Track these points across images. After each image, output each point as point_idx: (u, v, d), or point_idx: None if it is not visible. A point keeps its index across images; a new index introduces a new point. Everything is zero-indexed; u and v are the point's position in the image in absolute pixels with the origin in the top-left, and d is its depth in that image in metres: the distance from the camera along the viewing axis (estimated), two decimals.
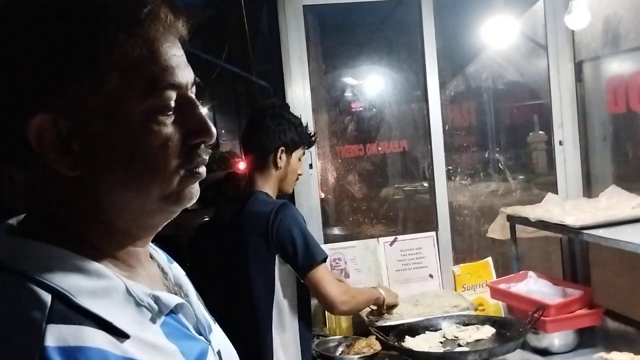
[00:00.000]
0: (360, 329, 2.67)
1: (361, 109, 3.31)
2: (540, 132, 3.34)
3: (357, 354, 2.49)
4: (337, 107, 3.27)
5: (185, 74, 0.75)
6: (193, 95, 0.77)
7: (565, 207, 2.58)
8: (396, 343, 2.33)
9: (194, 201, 0.78)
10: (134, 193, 0.73)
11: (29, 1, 0.71)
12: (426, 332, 2.44)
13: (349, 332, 2.72)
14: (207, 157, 0.77)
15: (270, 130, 2.26)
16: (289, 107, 2.41)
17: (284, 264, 2.17)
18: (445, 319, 2.50)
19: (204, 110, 0.78)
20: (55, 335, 0.63)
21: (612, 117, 2.79)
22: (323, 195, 3.13)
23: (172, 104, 0.74)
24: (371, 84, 3.32)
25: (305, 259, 2.12)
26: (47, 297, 0.65)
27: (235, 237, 2.19)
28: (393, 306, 2.57)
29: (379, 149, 3.25)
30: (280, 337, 2.18)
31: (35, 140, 0.69)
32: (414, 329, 2.44)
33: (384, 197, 3.38)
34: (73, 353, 0.63)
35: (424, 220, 3.27)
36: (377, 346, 2.49)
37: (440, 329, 2.44)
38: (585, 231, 2.29)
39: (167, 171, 0.73)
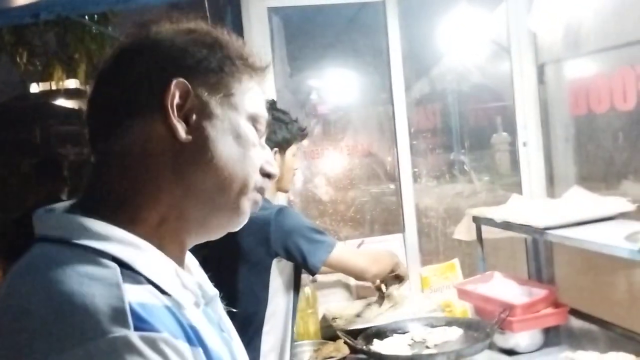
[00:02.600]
0: (328, 333, 2.66)
1: (327, 111, 3.30)
2: (504, 133, 3.37)
3: (325, 358, 2.47)
4: (303, 110, 3.24)
5: (266, 120, 0.90)
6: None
7: (530, 207, 2.61)
8: (364, 347, 2.32)
9: (242, 224, 0.87)
10: (219, 187, 0.81)
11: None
12: (394, 335, 2.43)
13: (317, 336, 2.70)
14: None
15: None
16: (276, 102, 2.35)
17: (279, 270, 2.15)
18: (413, 321, 2.50)
19: None
20: (133, 292, 0.68)
21: (574, 118, 2.84)
22: (291, 198, 3.10)
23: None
24: (337, 86, 3.31)
25: (315, 258, 2.12)
26: (114, 264, 0.71)
27: (231, 242, 2.15)
28: (402, 279, 2.53)
29: (346, 151, 3.24)
30: (268, 342, 2.15)
31: (168, 97, 0.78)
32: (382, 332, 2.44)
33: (350, 200, 3.37)
34: (150, 308, 0.68)
35: (391, 223, 3.27)
36: (345, 350, 2.47)
37: (409, 332, 2.44)
38: (549, 231, 2.32)
39: (249, 183, 0.83)
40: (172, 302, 0.73)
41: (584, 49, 2.72)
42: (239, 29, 2.85)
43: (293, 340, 2.30)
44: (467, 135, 3.52)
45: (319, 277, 2.71)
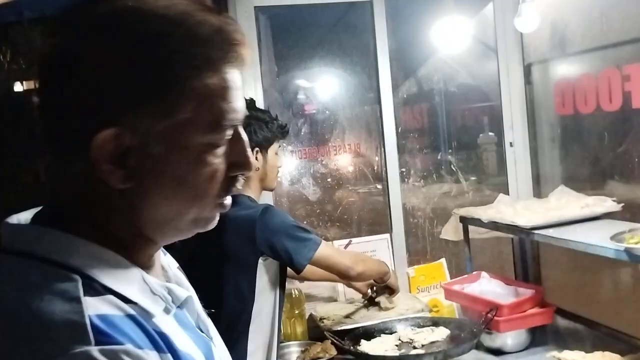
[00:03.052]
0: (316, 333, 2.65)
1: (314, 111, 3.29)
2: (491, 133, 3.38)
3: (313, 359, 2.46)
4: (290, 110, 3.23)
5: (243, 111, 0.79)
6: (241, 128, 0.80)
7: (517, 207, 2.61)
8: (352, 347, 2.31)
9: (212, 226, 0.82)
10: (173, 214, 0.76)
11: (127, 25, 0.72)
12: (382, 335, 2.43)
13: (304, 337, 2.69)
14: (240, 187, 0.82)
15: None
16: (255, 101, 2.32)
17: (265, 268, 2.14)
18: (400, 321, 2.50)
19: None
20: (94, 305, 0.67)
21: (560, 118, 2.85)
22: (277, 199, 3.09)
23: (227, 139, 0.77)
24: (324, 86, 3.30)
25: (300, 256, 2.11)
26: (76, 277, 0.69)
27: (217, 241, 2.12)
28: (393, 291, 2.57)
29: (333, 151, 3.23)
30: (255, 341, 2.14)
31: (95, 151, 0.70)
32: (370, 333, 2.43)
33: (338, 200, 3.36)
34: (112, 320, 0.67)
35: (378, 223, 3.26)
36: (333, 351, 2.47)
37: (396, 332, 2.44)
38: (536, 231, 2.33)
39: (207, 199, 0.77)
40: (138, 311, 0.71)
41: (570, 50, 2.73)
42: None
43: (280, 339, 2.30)
44: (454, 135, 3.52)
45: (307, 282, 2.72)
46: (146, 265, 0.79)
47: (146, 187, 0.74)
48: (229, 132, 0.77)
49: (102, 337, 0.64)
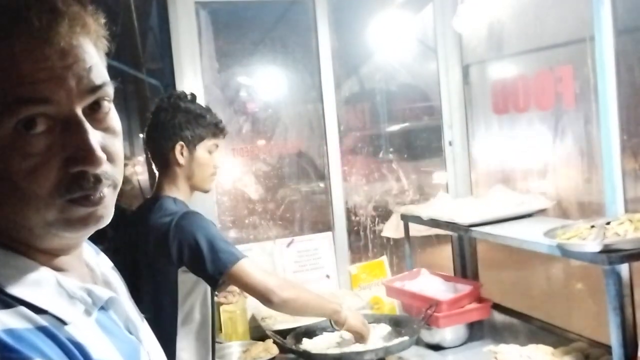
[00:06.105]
0: (257, 333, 2.63)
1: (257, 109, 3.26)
2: (431, 133, 3.43)
3: (254, 359, 2.44)
4: (232, 107, 3.19)
5: (64, 88, 0.67)
6: (79, 114, 0.68)
7: (456, 205, 2.66)
8: (293, 346, 2.31)
9: (103, 224, 0.73)
10: (16, 215, 0.69)
11: None
12: (324, 333, 2.43)
13: (246, 337, 2.66)
14: (99, 186, 0.70)
15: (164, 125, 2.04)
16: (189, 96, 2.13)
17: (187, 276, 2.01)
18: None
19: (93, 132, 0.69)
20: (1, 320, 0.63)
21: (497, 118, 2.92)
22: (218, 197, 3.05)
23: (42, 124, 0.67)
24: (266, 83, 3.27)
25: (214, 267, 1.90)
26: None
27: (139, 247, 2.02)
28: (361, 335, 2.21)
29: (275, 149, 3.21)
30: (184, 350, 2.05)
31: None
32: (312, 331, 2.43)
33: (280, 198, 3.35)
34: (20, 334, 0.63)
35: (321, 221, 3.27)
36: (275, 350, 2.45)
37: (338, 329, 2.44)
38: (474, 228, 2.38)
39: (40, 198, 0.68)
40: (50, 320, 0.68)
41: (506, 51, 2.80)
42: (165, 23, 2.78)
43: (215, 340, 2.21)
44: (395, 133, 3.56)
45: None
46: (61, 267, 0.75)
47: None
48: (31, 112, 0.66)
49: (9, 354, 0.61)
